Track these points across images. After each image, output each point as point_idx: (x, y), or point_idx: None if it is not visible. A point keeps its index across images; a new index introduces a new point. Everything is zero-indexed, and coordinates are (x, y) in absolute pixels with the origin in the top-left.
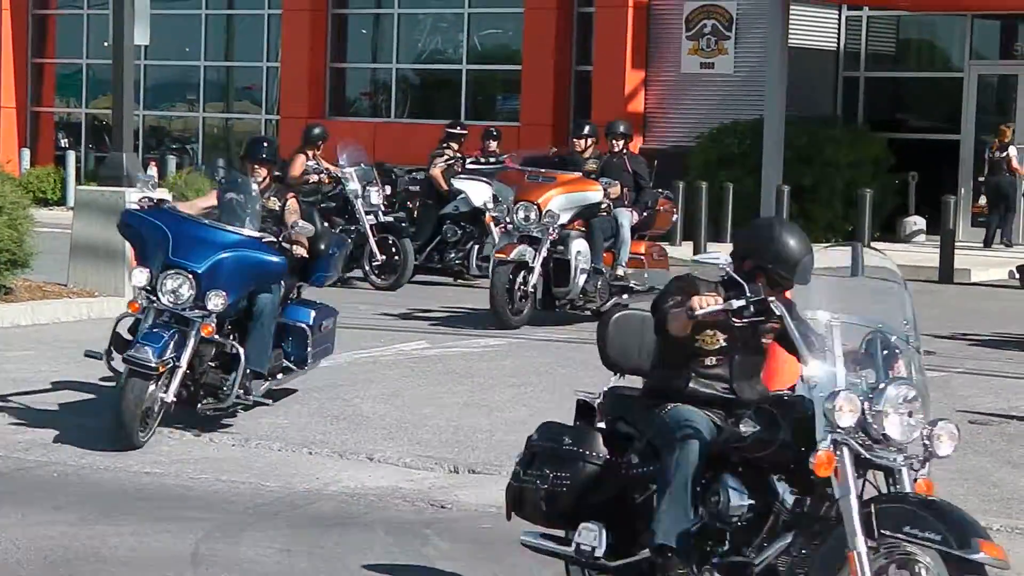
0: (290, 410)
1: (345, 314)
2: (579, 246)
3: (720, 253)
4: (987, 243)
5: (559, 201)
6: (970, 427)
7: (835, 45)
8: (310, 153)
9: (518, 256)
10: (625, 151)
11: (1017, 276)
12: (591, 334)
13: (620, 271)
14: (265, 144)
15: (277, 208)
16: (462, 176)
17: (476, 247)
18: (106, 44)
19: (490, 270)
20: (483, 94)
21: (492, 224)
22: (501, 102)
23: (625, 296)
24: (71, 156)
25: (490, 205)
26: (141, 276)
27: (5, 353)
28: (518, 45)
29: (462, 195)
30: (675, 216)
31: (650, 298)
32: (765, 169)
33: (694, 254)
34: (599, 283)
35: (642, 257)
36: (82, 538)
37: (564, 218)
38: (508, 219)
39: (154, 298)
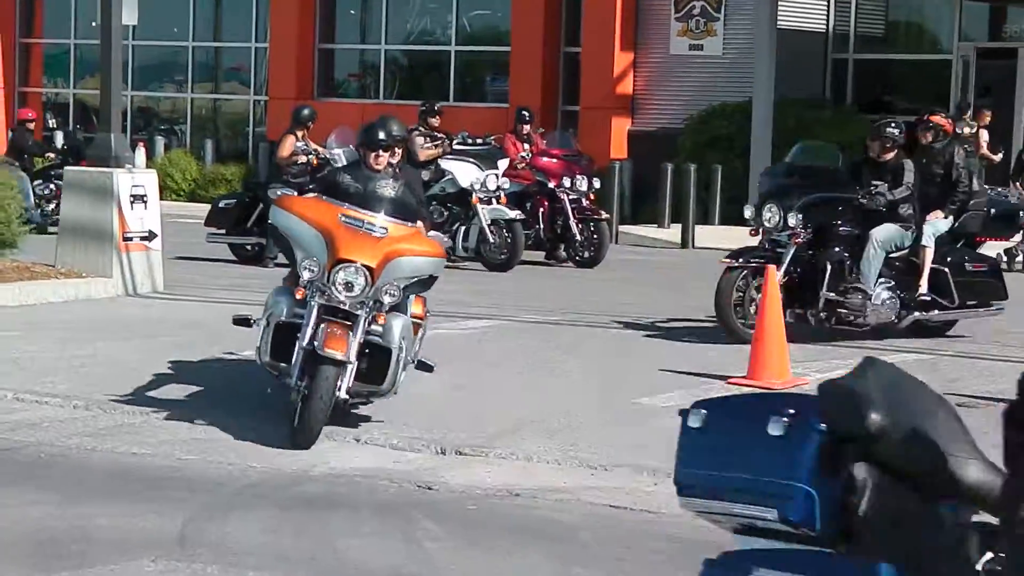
0: (277, 391)
1: None
2: (401, 329)
3: None
4: None
5: (402, 267)
6: (957, 410)
7: (824, 27)
8: (299, 134)
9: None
10: (402, 163)
11: (1005, 259)
12: (579, 315)
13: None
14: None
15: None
16: (449, 157)
17: (463, 228)
18: (94, 24)
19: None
20: (472, 76)
21: (479, 204)
22: (490, 83)
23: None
24: (59, 136)
25: (477, 186)
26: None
27: None
28: (507, 26)
29: (448, 176)
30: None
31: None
32: (754, 151)
33: (682, 238)
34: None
35: (420, 320)
36: (68, 518)
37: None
38: (317, 283)
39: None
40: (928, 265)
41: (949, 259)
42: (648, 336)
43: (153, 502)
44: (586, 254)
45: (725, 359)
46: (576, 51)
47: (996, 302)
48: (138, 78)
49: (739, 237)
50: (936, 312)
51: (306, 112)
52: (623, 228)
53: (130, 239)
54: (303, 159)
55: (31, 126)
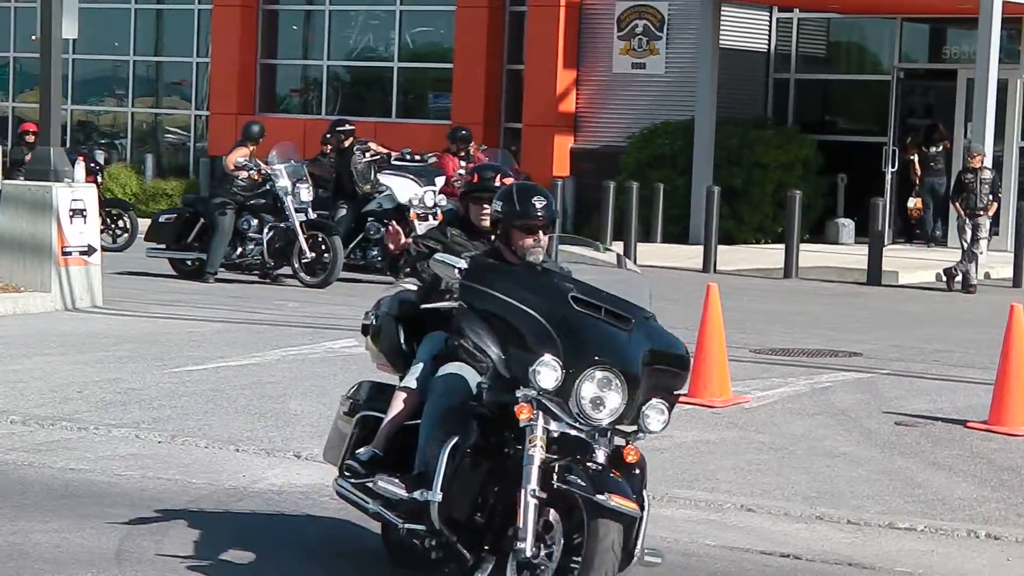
0: (217, 407)
1: (274, 311)
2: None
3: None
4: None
5: None
6: (896, 428)
7: (766, 47)
8: (251, 149)
9: None
10: None
11: (944, 279)
12: None
13: None
14: None
15: None
16: (387, 172)
17: None
18: (34, 38)
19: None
20: (414, 92)
21: (416, 220)
22: (433, 100)
23: None
24: None
25: (415, 202)
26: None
27: None
28: (450, 43)
29: (386, 192)
30: None
31: None
32: (696, 170)
33: (622, 256)
34: None
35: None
36: (4, 534)
37: None
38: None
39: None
40: None
41: None
42: None
43: (91, 518)
44: None
45: None
46: (519, 68)
47: None
48: (78, 92)
49: (680, 255)
50: None
51: (256, 128)
52: (563, 246)
53: (69, 253)
54: (243, 174)
55: (30, 139)
